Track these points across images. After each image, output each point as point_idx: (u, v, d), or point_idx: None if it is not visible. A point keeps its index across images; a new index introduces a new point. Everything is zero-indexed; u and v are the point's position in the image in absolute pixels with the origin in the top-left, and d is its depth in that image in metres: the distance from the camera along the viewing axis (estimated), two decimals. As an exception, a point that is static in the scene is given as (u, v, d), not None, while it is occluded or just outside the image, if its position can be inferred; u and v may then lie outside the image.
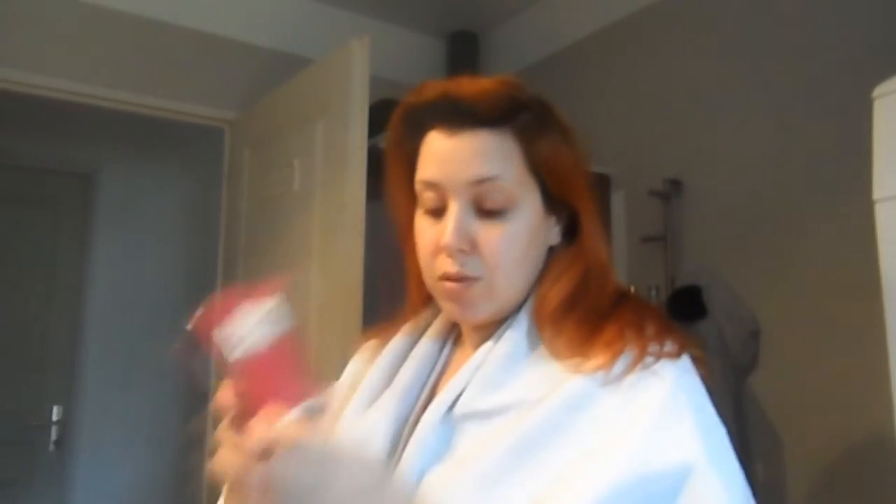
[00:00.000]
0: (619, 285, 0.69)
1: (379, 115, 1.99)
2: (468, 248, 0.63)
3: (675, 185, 1.95)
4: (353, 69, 1.71)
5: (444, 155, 0.64)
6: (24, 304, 3.00)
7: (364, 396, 0.71)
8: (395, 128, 0.71)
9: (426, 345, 0.73)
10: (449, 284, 0.64)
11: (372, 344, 0.78)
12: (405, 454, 0.62)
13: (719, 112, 1.88)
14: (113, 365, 3.09)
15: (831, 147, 1.61)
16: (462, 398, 0.63)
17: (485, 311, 0.65)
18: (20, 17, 2.04)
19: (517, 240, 0.64)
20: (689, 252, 1.92)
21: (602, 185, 2.12)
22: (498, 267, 0.63)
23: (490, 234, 0.63)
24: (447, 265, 0.64)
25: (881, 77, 1.12)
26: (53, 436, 2.98)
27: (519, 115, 0.64)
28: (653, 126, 2.07)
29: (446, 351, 0.73)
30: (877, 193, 1.09)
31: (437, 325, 0.74)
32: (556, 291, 0.65)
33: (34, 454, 2.96)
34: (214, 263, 2.41)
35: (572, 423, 0.57)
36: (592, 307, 0.64)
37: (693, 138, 1.95)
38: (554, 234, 0.68)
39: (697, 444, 0.55)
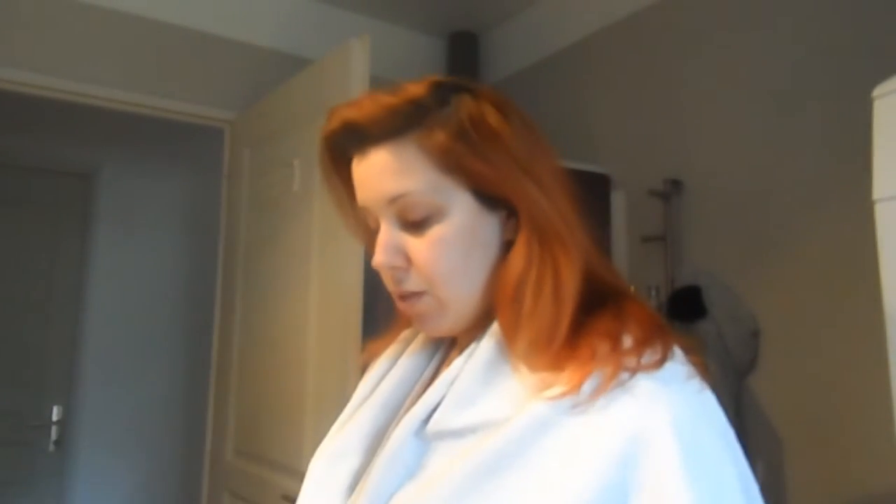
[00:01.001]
0: (603, 277, 0.64)
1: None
2: (403, 263, 0.62)
3: (675, 185, 1.95)
4: (353, 69, 1.71)
5: (360, 180, 0.64)
6: (24, 304, 3.00)
7: (348, 411, 0.71)
8: (323, 161, 0.69)
9: (413, 355, 0.71)
10: (401, 303, 0.64)
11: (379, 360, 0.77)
12: (373, 470, 0.60)
13: (719, 112, 1.88)
14: (113, 365, 3.09)
15: (831, 147, 1.61)
16: (435, 415, 0.60)
17: (443, 322, 0.63)
18: (20, 17, 2.04)
19: (449, 245, 0.61)
20: (689, 252, 1.92)
21: (602, 185, 2.12)
22: (434, 276, 0.61)
23: (418, 246, 0.61)
24: (389, 284, 0.64)
25: (881, 77, 1.12)
26: (53, 436, 2.98)
27: (422, 121, 0.60)
28: (653, 126, 2.07)
29: (437, 358, 0.71)
30: (877, 193, 1.09)
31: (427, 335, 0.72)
32: (503, 288, 0.61)
33: (34, 454, 2.96)
34: (214, 264, 2.41)
35: (535, 449, 0.53)
36: (546, 304, 0.59)
37: (693, 138, 1.94)
38: (508, 229, 0.63)
39: (673, 473, 0.51)
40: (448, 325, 0.64)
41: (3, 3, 2.01)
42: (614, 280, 0.66)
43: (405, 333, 0.75)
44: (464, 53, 2.67)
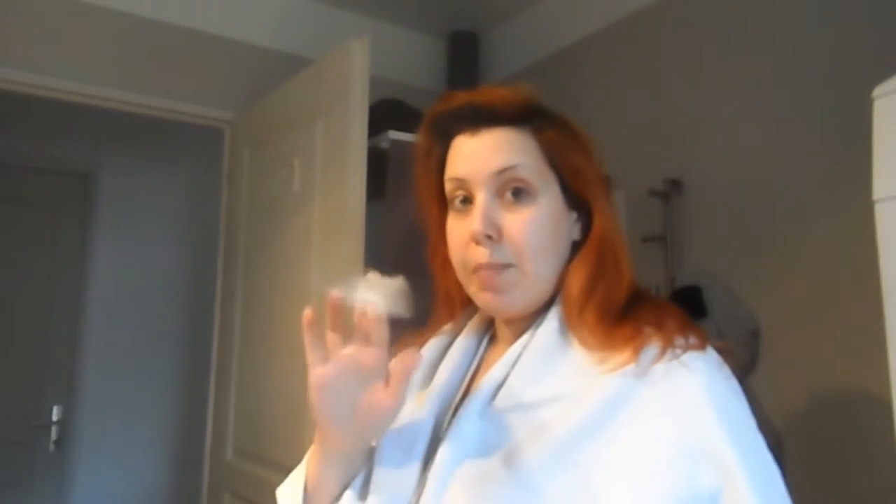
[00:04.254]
0: (639, 285, 0.73)
1: (379, 115, 2.00)
2: (496, 234, 0.68)
3: (675, 185, 1.95)
4: (353, 69, 1.71)
5: (468, 152, 0.70)
6: (24, 303, 3.00)
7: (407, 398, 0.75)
8: (423, 136, 0.76)
9: (463, 343, 0.77)
10: (483, 273, 0.68)
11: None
12: (442, 446, 0.64)
13: (719, 112, 1.88)
14: (113, 365, 3.09)
15: (831, 147, 1.61)
16: (503, 390, 0.66)
17: (519, 298, 0.69)
18: (20, 17, 2.04)
19: (540, 225, 0.68)
20: (689, 252, 1.92)
21: (602, 185, 2.12)
22: (525, 250, 0.67)
23: (515, 220, 0.68)
24: (478, 255, 0.68)
25: (881, 77, 1.12)
26: (53, 436, 2.98)
27: (536, 116, 0.71)
28: (653, 126, 2.07)
29: (482, 349, 0.77)
30: (877, 193, 1.09)
31: (472, 324, 0.78)
32: (576, 277, 0.69)
33: (34, 454, 2.96)
34: (214, 263, 2.41)
35: (613, 419, 0.60)
36: (609, 293, 0.68)
37: (693, 138, 1.94)
38: (576, 230, 0.73)
39: (731, 453, 0.58)
40: (523, 302, 0.70)
41: (3, 3, 2.01)
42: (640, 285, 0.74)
43: (447, 327, 0.81)
44: (464, 53, 2.67)
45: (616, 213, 0.74)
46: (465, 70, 2.64)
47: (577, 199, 0.72)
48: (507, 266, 0.68)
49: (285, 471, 0.77)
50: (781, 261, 1.69)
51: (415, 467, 0.66)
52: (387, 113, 2.07)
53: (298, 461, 0.79)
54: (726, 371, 0.65)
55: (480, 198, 0.68)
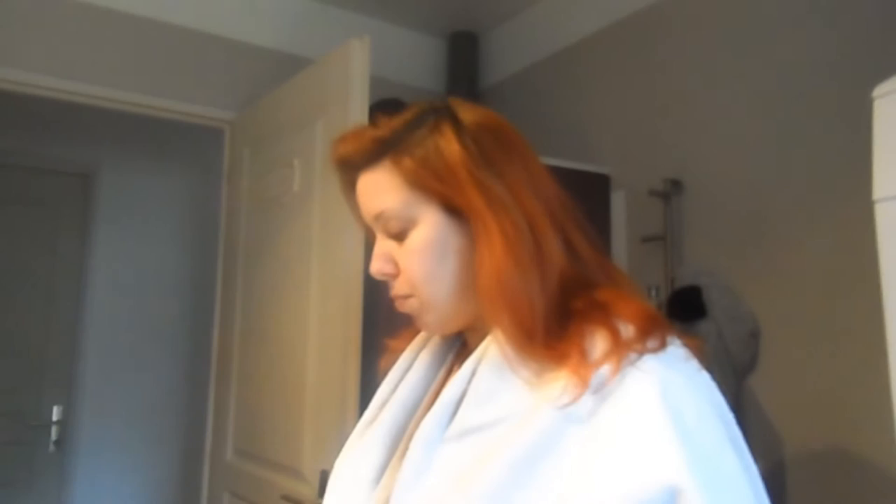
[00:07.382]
0: (584, 274, 0.67)
1: (379, 116, 2.00)
2: (394, 270, 0.70)
3: (675, 185, 1.95)
4: (353, 69, 1.71)
5: (357, 200, 0.73)
6: (24, 304, 3.00)
7: (368, 414, 0.74)
8: (341, 184, 0.78)
9: (427, 358, 0.76)
10: (396, 304, 0.71)
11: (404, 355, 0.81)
12: (400, 473, 0.62)
13: (719, 112, 1.88)
14: (113, 365, 3.09)
15: (831, 147, 1.61)
16: (459, 413, 0.63)
17: (434, 321, 0.70)
18: (20, 17, 2.04)
19: (423, 252, 0.67)
20: (689, 252, 1.92)
21: (602, 185, 2.12)
22: (415, 280, 0.68)
23: (403, 255, 0.69)
24: (388, 288, 0.72)
25: (881, 77, 1.12)
26: (53, 436, 2.98)
27: (396, 147, 0.68)
28: (653, 126, 2.07)
29: (450, 360, 0.75)
30: (877, 193, 1.09)
31: (438, 336, 0.76)
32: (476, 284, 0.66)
33: (34, 454, 2.96)
34: (214, 263, 2.41)
35: (564, 438, 0.57)
36: (529, 298, 0.63)
37: (693, 138, 1.95)
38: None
39: (681, 462, 0.53)
40: (437, 323, 0.70)
41: (4, 3, 2.01)
42: (604, 276, 0.68)
43: (417, 338, 0.80)
44: (464, 53, 2.67)
45: (526, 204, 0.65)
46: (465, 70, 2.64)
47: (459, 210, 0.66)
48: (407, 296, 0.69)
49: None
50: (781, 261, 1.69)
51: (362, 473, 0.67)
52: (387, 113, 2.08)
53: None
54: (694, 364, 0.61)
55: (377, 239, 0.72)
